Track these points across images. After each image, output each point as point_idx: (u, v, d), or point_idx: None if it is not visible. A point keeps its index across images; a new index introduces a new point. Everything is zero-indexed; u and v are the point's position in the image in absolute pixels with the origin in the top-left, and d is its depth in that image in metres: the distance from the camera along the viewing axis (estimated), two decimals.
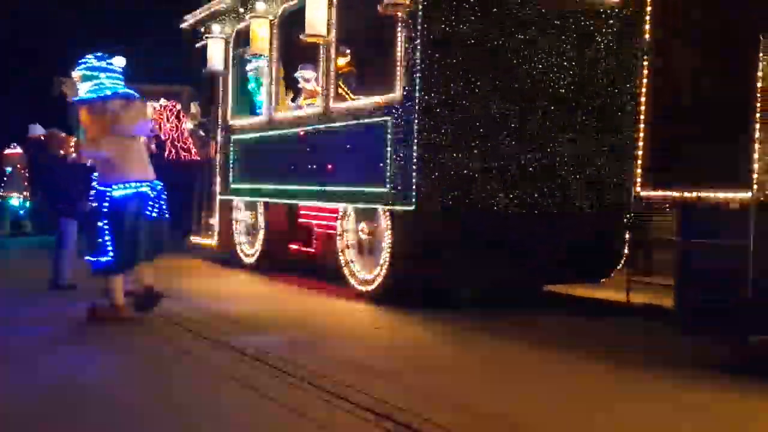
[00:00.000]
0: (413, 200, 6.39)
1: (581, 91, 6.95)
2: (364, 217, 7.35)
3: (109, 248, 5.68)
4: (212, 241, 10.01)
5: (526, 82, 6.74)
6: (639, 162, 5.06)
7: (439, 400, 3.77)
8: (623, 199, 6.35)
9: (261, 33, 8.66)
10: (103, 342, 5.22)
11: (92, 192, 5.87)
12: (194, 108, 11.49)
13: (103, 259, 5.71)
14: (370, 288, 7.13)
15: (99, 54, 6.16)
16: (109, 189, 5.73)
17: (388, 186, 6.66)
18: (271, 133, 8.80)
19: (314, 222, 8.51)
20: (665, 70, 5.03)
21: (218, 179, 9.92)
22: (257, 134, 9.12)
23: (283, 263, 9.00)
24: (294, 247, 8.90)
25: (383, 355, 4.91)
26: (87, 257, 5.88)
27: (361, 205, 7.20)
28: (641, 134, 5.04)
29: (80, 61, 6.12)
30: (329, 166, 7.66)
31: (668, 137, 4.91)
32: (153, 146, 7.36)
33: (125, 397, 3.84)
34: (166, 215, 5.90)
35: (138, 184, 5.77)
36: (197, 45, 10.55)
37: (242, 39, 9.27)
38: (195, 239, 10.51)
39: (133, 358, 4.81)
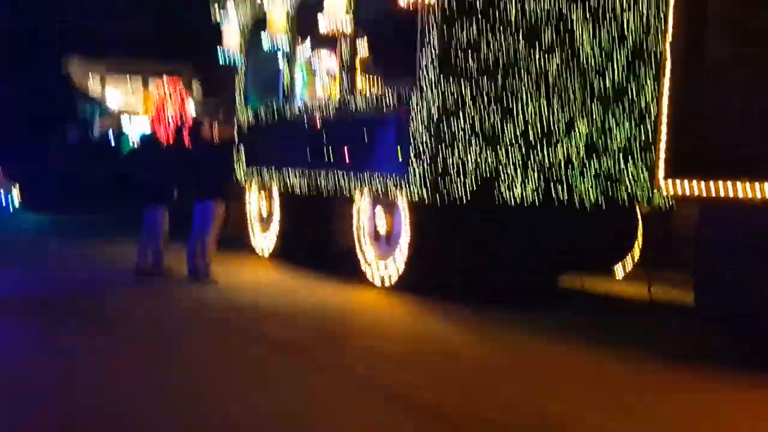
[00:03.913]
0: (430, 190, 6.45)
1: (599, 75, 6.89)
2: (382, 206, 7.40)
3: None
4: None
5: (541, 74, 6.67)
6: (661, 148, 4.61)
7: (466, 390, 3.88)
8: (640, 193, 6.37)
9: (278, 19, 8.68)
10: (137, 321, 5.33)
11: None
12: (195, 87, 11.27)
13: None
14: (386, 276, 7.21)
15: None
16: None
17: (406, 175, 6.71)
18: (287, 119, 8.84)
19: (329, 209, 8.56)
20: (691, 50, 4.58)
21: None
22: (273, 119, 9.15)
23: (298, 249, 9.05)
24: (310, 233, 8.95)
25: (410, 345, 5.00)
26: None
27: (378, 193, 7.25)
28: (664, 119, 4.64)
29: None
30: (346, 153, 7.71)
31: (694, 123, 4.52)
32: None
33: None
34: None
35: None
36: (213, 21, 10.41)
37: (260, 23, 9.25)
38: None
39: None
